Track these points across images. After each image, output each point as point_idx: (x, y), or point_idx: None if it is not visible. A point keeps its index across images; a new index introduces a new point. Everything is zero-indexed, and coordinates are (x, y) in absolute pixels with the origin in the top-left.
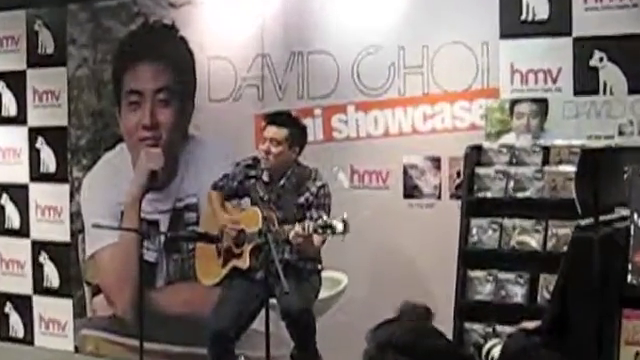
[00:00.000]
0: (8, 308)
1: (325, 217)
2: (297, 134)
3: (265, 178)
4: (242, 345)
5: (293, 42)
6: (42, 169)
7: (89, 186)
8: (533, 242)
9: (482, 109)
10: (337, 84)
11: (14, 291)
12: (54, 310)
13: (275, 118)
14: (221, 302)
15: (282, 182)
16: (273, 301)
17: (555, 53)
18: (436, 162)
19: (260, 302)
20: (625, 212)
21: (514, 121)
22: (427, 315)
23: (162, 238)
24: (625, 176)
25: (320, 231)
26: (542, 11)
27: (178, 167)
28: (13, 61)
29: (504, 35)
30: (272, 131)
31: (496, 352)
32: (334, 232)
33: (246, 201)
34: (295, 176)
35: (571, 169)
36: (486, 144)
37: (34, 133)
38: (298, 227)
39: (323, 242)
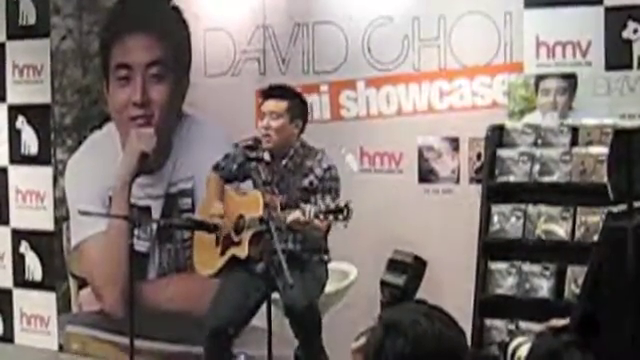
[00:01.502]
0: None
1: (328, 201)
2: (298, 106)
3: (266, 158)
4: (242, 343)
5: (297, 12)
6: (23, 151)
7: (74, 169)
8: (560, 231)
9: (504, 85)
10: (345, 58)
11: None
12: (36, 305)
13: (272, 91)
14: (219, 296)
15: (284, 162)
16: (276, 295)
17: (585, 24)
18: (454, 143)
19: (261, 296)
20: None
21: (539, 98)
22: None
23: (154, 226)
24: None
25: (321, 216)
26: None
27: (171, 148)
28: None
29: (529, 4)
30: (270, 104)
31: (523, 352)
32: (337, 217)
33: (248, 184)
34: (299, 156)
35: (602, 151)
36: (509, 124)
37: (14, 111)
38: (298, 212)
39: (328, 229)
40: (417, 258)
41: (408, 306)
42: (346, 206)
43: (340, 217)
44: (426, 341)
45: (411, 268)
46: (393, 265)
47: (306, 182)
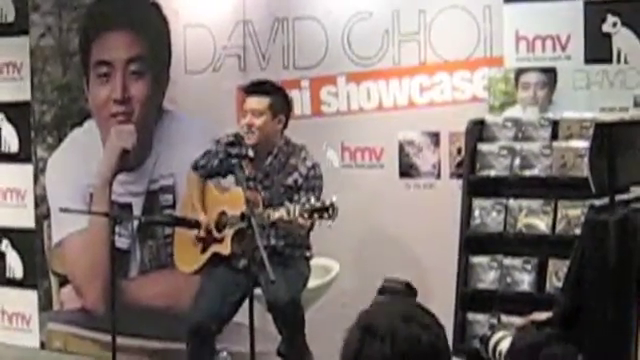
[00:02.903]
0: None
1: (313, 200)
2: (280, 102)
3: (250, 154)
4: (224, 339)
5: (277, 7)
6: (3, 148)
7: (55, 167)
8: (541, 224)
9: (485, 80)
10: (326, 53)
11: None
12: (18, 303)
13: (254, 88)
14: (201, 292)
15: (269, 160)
16: (258, 291)
17: (564, 18)
18: (435, 138)
19: (243, 292)
20: None
21: (520, 92)
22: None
23: (135, 223)
24: None
25: (306, 215)
26: None
27: (152, 145)
28: None
29: None
30: (253, 101)
31: (504, 346)
32: (322, 216)
33: (229, 180)
34: (283, 154)
35: (582, 144)
36: (489, 118)
37: None
38: (282, 211)
39: (312, 226)
40: (408, 285)
41: (387, 307)
42: (331, 205)
43: (325, 216)
44: (403, 346)
45: (402, 295)
46: (384, 293)
47: (290, 180)
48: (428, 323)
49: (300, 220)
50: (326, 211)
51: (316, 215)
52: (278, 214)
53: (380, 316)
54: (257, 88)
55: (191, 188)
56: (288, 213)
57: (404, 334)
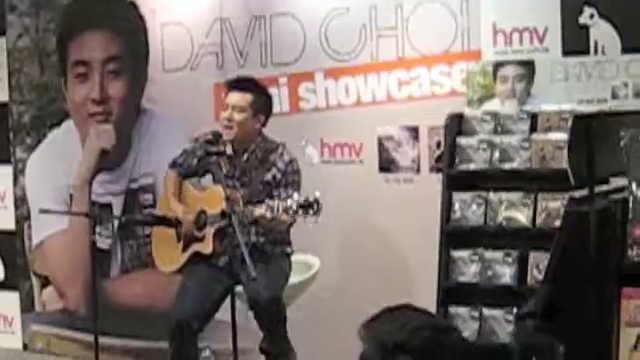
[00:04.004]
0: None
1: (296, 196)
2: (262, 100)
3: (228, 151)
4: (207, 337)
5: (254, 5)
6: None
7: (34, 168)
8: (521, 217)
9: (463, 73)
10: (303, 50)
11: None
12: None
13: (238, 83)
14: (182, 291)
15: (246, 156)
16: (239, 289)
17: (541, 10)
18: (414, 132)
19: (225, 289)
20: (622, 182)
21: (498, 86)
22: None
23: (116, 223)
24: (621, 143)
25: (290, 212)
26: None
27: (131, 144)
28: None
29: None
30: (235, 97)
31: None
32: (307, 213)
33: (208, 179)
34: (260, 150)
35: (561, 137)
36: (468, 111)
37: None
38: (265, 209)
39: (292, 222)
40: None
41: (396, 320)
42: (316, 201)
43: (310, 212)
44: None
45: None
46: None
47: (269, 176)
48: (449, 326)
49: (283, 217)
50: (310, 207)
51: (300, 211)
52: (260, 211)
53: (399, 332)
54: (241, 84)
55: (168, 185)
56: (272, 210)
57: (434, 344)
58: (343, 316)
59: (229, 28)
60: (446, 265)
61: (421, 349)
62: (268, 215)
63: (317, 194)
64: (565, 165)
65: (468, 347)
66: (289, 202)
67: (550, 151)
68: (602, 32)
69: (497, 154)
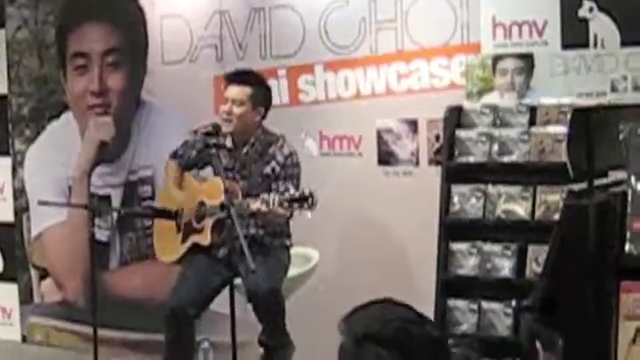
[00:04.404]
0: None
1: (292, 190)
2: (261, 93)
3: (228, 144)
4: (205, 329)
5: None
6: None
7: (33, 159)
8: (520, 210)
9: (462, 66)
10: (303, 42)
11: None
12: None
13: (237, 77)
14: (180, 279)
15: (246, 149)
16: (238, 281)
17: (541, 3)
18: (413, 125)
19: (223, 280)
20: (621, 175)
21: (497, 79)
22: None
23: (115, 215)
24: (621, 136)
25: (286, 205)
26: None
27: (130, 137)
28: None
29: None
30: (234, 90)
31: None
32: (302, 206)
33: (207, 172)
34: (260, 143)
35: (560, 130)
36: (467, 104)
37: None
38: (260, 202)
39: (291, 215)
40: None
41: (375, 311)
42: (311, 194)
43: (305, 206)
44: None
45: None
46: None
47: (268, 169)
48: (424, 319)
49: (279, 210)
50: (305, 201)
51: (295, 205)
52: (257, 204)
53: (376, 323)
54: (240, 77)
55: (169, 174)
56: (267, 204)
57: (410, 335)
58: (342, 308)
59: (228, 20)
60: (445, 258)
61: (391, 339)
62: (264, 208)
63: (312, 188)
64: (564, 158)
65: (438, 338)
66: (285, 195)
67: (549, 144)
68: (601, 25)
69: (496, 147)
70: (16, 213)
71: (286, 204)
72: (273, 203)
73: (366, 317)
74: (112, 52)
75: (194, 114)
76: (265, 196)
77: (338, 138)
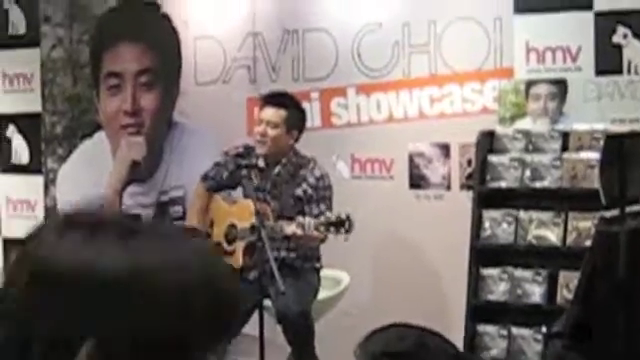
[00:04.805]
0: None
1: (328, 213)
2: (296, 116)
3: (261, 164)
4: (234, 351)
5: (287, 19)
6: (14, 160)
7: (66, 178)
8: (552, 236)
9: (495, 91)
10: (336, 65)
11: None
12: None
13: (273, 99)
14: None
15: (277, 170)
16: (268, 302)
17: (575, 29)
18: (445, 149)
19: (253, 303)
20: None
21: (530, 104)
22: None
23: None
24: None
25: (322, 229)
26: None
27: (162, 157)
28: None
29: (519, 9)
30: (269, 112)
31: None
32: (338, 230)
33: (238, 192)
34: (292, 165)
35: (593, 156)
36: (499, 129)
37: (5, 121)
38: (296, 225)
39: (325, 238)
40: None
41: (391, 331)
42: (348, 218)
43: (342, 230)
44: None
45: None
46: None
47: (299, 191)
48: (441, 338)
49: (314, 233)
50: (342, 225)
51: (332, 229)
52: (292, 228)
53: (392, 340)
54: (276, 99)
55: (195, 199)
56: (303, 227)
57: (426, 351)
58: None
59: (262, 42)
60: (475, 283)
61: (407, 353)
62: (299, 232)
63: (348, 211)
64: (596, 184)
65: (457, 353)
66: (321, 218)
67: (582, 170)
68: (635, 51)
69: (528, 172)
70: None
71: (322, 228)
72: (309, 227)
73: (384, 337)
74: (146, 72)
75: (227, 135)
76: (300, 219)
77: (370, 161)
